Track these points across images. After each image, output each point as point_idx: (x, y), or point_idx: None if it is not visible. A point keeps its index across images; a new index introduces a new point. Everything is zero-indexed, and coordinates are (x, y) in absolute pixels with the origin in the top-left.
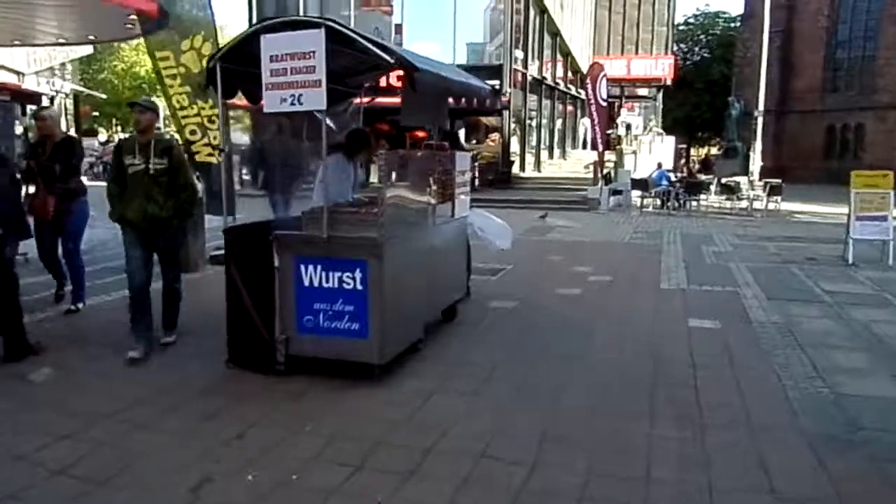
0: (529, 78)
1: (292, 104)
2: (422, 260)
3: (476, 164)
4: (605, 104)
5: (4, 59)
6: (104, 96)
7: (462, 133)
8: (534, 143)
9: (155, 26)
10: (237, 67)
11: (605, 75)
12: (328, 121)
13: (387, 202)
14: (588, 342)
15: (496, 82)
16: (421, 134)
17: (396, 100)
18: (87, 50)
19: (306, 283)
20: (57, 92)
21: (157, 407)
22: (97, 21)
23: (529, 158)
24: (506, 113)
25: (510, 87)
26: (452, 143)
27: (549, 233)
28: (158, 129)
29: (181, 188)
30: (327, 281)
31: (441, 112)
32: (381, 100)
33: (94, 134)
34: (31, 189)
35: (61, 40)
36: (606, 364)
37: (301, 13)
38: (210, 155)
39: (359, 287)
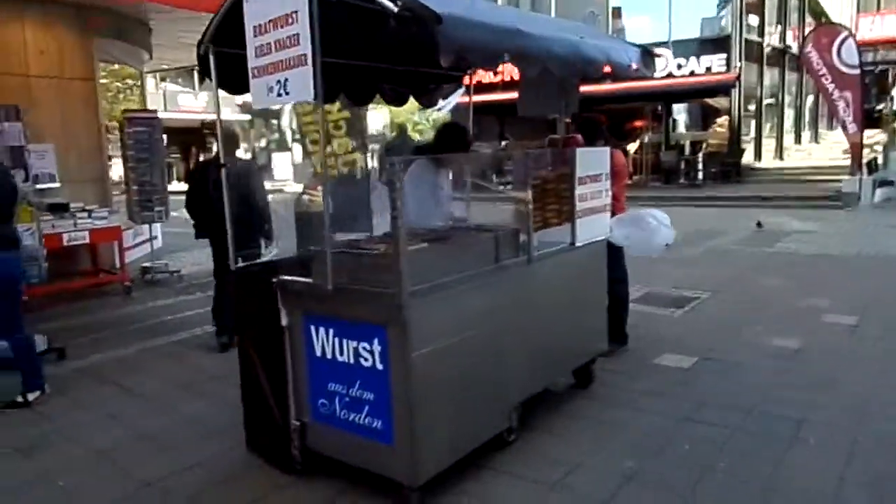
0: (768, 48)
1: (279, 94)
2: (505, 314)
3: (699, 154)
4: (856, 72)
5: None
6: None
7: (683, 119)
8: (775, 126)
9: None
10: (241, 52)
11: (848, 36)
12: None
13: (407, 236)
14: (788, 455)
15: (721, 56)
16: (639, 123)
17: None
18: None
19: (318, 351)
20: None
21: None
22: None
23: (770, 145)
24: (734, 92)
25: (740, 60)
26: (591, 137)
27: (778, 241)
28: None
29: None
30: (341, 352)
31: (569, 94)
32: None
33: None
34: None
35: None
36: None
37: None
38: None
39: (378, 365)
